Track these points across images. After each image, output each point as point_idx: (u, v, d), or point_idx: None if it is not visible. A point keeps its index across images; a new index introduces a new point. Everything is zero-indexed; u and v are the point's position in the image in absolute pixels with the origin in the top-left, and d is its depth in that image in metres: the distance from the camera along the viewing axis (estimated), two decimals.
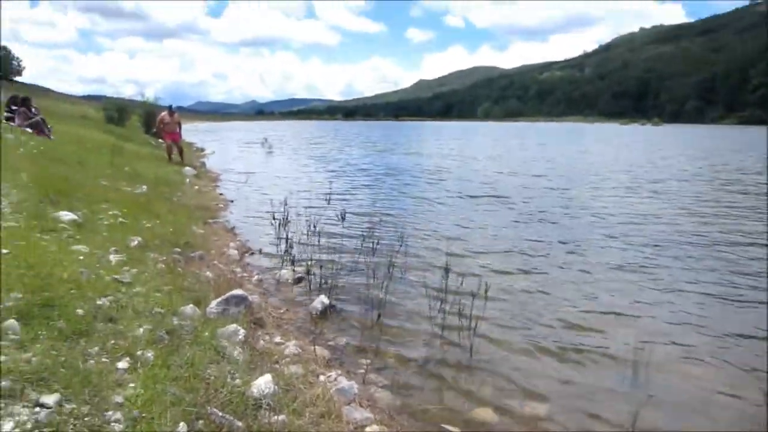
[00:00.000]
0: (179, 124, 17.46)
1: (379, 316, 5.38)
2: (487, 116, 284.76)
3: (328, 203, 6.99)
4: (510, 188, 14.68)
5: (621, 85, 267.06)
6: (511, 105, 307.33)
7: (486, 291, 5.52)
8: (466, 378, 4.35)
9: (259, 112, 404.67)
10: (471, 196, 13.07)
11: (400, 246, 7.08)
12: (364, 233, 7.18)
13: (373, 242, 6.90)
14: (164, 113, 17.62)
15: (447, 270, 6.14)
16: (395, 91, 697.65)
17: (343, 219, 6.70)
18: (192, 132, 50.42)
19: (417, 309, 5.72)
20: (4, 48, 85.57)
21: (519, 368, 4.50)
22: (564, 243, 8.48)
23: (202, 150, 26.99)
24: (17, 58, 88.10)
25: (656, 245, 8.30)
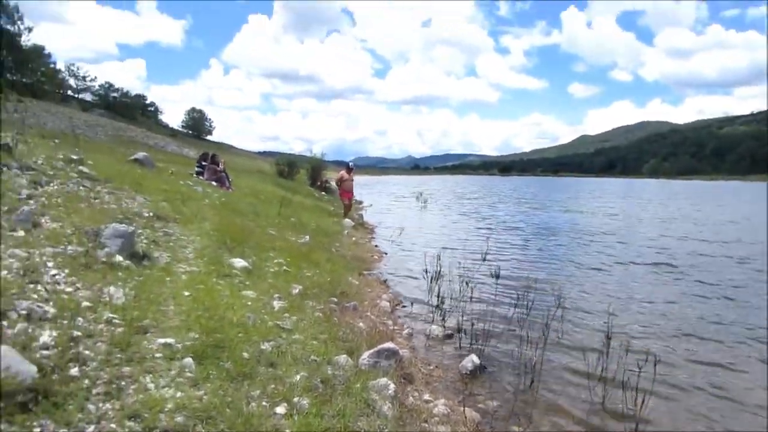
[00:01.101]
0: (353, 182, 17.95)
1: (532, 380, 5.12)
2: (654, 173, 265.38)
3: (484, 260, 6.89)
4: (681, 256, 13.18)
5: None
6: (683, 162, 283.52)
7: (655, 364, 5.01)
8: None
9: (415, 166, 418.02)
10: (635, 263, 11.97)
11: (556, 309, 6.74)
12: (518, 293, 6.96)
13: (527, 303, 6.65)
14: (343, 171, 17.87)
15: (608, 337, 5.69)
16: (554, 147, 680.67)
17: (497, 277, 6.55)
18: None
19: (574, 376, 5.34)
20: (200, 111, 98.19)
21: None
22: (742, 325, 7.43)
23: (360, 203, 28.34)
24: (209, 119, 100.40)
25: None
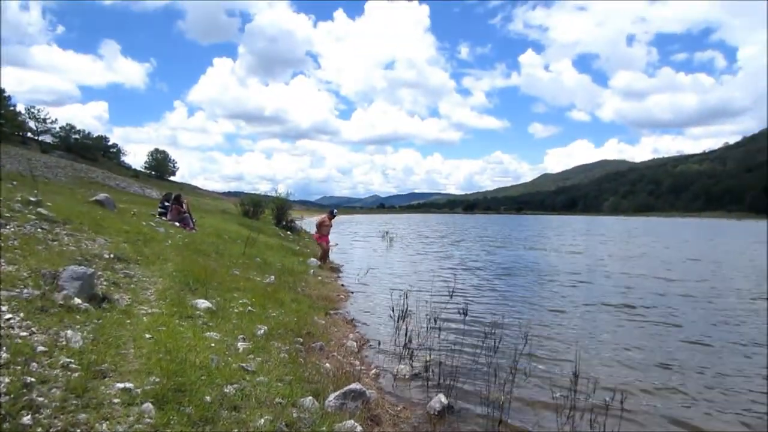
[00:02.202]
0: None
1: (500, 420, 5.10)
2: (614, 210, 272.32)
3: (451, 297, 6.90)
4: (647, 294, 13.27)
5: None
6: (641, 199, 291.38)
7: (622, 402, 5.06)
8: None
9: (381, 205, 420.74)
10: (599, 303, 12.02)
11: (524, 347, 6.78)
12: (486, 331, 6.98)
13: (494, 341, 6.67)
14: (325, 216, 17.77)
15: (576, 374, 5.73)
16: (517, 185, 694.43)
17: (465, 314, 6.55)
18: (314, 225, 52.77)
19: (543, 415, 5.34)
20: (163, 152, 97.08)
21: None
22: (707, 364, 7.60)
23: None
24: (173, 160, 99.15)
25: None
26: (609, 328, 9.50)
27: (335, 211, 18.42)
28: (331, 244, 18.30)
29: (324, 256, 17.16)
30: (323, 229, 17.48)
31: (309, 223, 45.34)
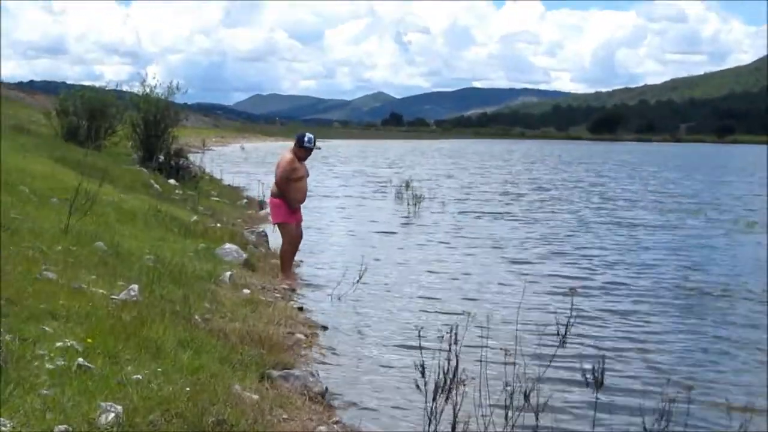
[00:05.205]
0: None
1: None
2: None
3: (562, 345, 6.78)
4: None
5: None
6: None
7: None
8: None
9: (392, 117, 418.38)
10: None
11: None
12: (647, 423, 6.98)
13: None
14: (289, 153, 16.48)
15: None
16: (717, 74, 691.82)
17: (599, 386, 6.52)
18: (238, 161, 52.58)
19: None
20: None
21: None
22: None
23: (262, 204, 27.45)
24: None
25: None
26: None
27: (308, 138, 16.52)
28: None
29: (288, 259, 16.63)
30: (292, 188, 16.22)
31: (222, 156, 45.32)
